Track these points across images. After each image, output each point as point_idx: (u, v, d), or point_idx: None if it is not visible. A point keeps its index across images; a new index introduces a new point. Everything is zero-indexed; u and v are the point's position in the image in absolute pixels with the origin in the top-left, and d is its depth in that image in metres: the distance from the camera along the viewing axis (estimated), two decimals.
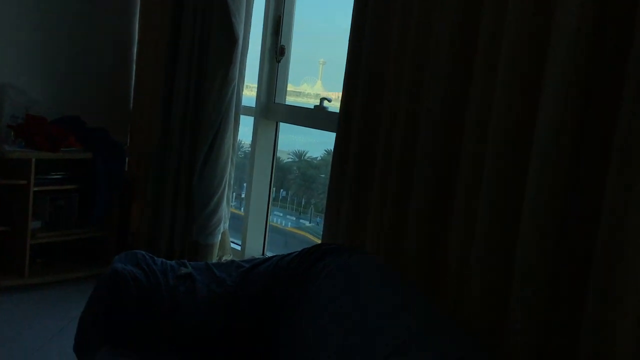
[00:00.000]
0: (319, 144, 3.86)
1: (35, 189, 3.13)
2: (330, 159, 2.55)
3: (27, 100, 3.37)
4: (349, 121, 2.37)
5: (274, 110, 3.29)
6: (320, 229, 2.65)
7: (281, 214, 3.95)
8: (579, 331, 1.48)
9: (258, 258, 2.26)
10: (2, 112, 3.29)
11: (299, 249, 2.12)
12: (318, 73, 3.64)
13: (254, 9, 3.17)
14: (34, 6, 3.43)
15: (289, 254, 2.12)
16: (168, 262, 2.12)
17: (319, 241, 2.60)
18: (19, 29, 3.39)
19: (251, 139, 3.36)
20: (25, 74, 3.45)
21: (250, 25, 3.17)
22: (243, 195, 3.71)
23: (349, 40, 2.40)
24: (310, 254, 2.05)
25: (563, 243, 1.53)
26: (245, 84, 3.28)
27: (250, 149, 3.41)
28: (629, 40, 1.41)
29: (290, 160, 4.04)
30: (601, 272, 1.41)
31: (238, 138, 3.32)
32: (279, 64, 3.26)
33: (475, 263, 1.74)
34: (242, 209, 3.59)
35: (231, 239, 3.38)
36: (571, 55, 1.49)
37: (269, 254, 3.37)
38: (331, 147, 2.51)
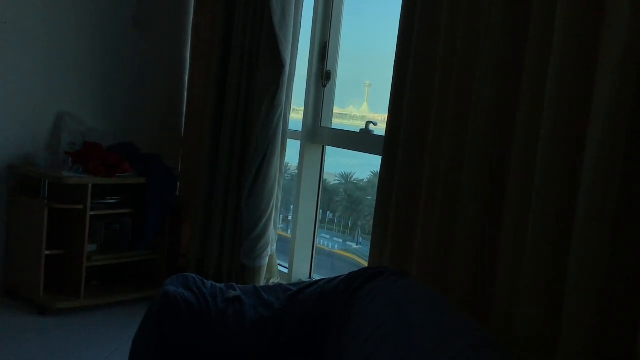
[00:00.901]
0: (365, 165, 3.87)
1: (92, 213, 3.24)
2: (376, 180, 2.56)
3: (84, 127, 3.50)
4: (395, 145, 2.38)
5: (320, 134, 3.33)
6: (367, 251, 2.66)
7: (328, 236, 3.96)
8: None
9: (305, 281, 2.29)
10: (61, 139, 3.43)
11: (346, 272, 2.13)
12: (364, 95, 3.67)
13: (300, 35, 3.24)
14: (91, 38, 3.58)
15: (335, 278, 2.13)
16: (217, 285, 2.16)
17: (366, 263, 2.60)
18: (77, 60, 3.54)
19: (298, 161, 3.40)
20: (83, 103, 3.59)
21: (297, 51, 3.23)
22: (290, 218, 3.75)
23: (395, 64, 2.42)
24: (356, 277, 2.05)
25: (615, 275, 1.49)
26: (292, 107, 3.33)
27: (297, 171, 3.45)
28: None
29: (336, 182, 4.06)
30: None
31: (285, 161, 3.37)
32: (325, 88, 3.30)
33: (524, 291, 1.71)
34: (289, 231, 3.62)
35: (278, 262, 3.41)
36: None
37: (316, 276, 3.39)
38: (378, 168, 2.53)
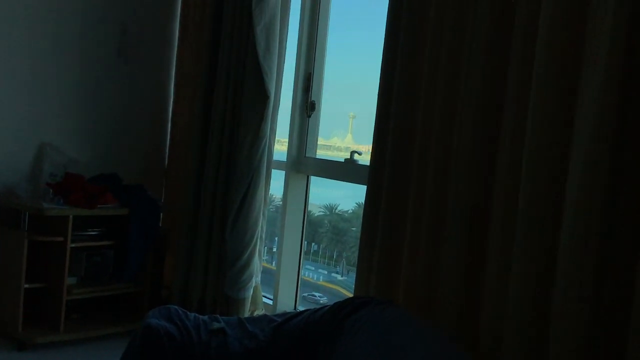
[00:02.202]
0: (350, 197, 3.87)
1: (72, 245, 3.19)
2: (361, 211, 2.56)
3: (66, 159, 3.47)
4: (379, 174, 2.39)
5: (304, 163, 3.33)
6: (352, 282, 2.64)
7: (313, 268, 3.94)
8: None
9: (290, 312, 2.26)
10: (42, 170, 3.39)
11: (331, 303, 2.11)
12: (348, 126, 3.69)
13: (285, 66, 3.26)
14: (75, 69, 3.57)
15: (321, 308, 2.11)
16: (200, 316, 2.12)
17: (351, 295, 2.58)
18: (59, 90, 3.53)
19: (282, 192, 3.39)
20: (65, 134, 3.56)
21: (281, 82, 3.25)
22: (275, 249, 3.72)
23: (378, 96, 2.44)
24: (342, 307, 2.04)
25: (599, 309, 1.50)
26: (277, 138, 3.34)
27: (281, 202, 3.44)
28: None
29: (321, 213, 4.05)
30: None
31: (269, 192, 3.36)
32: (310, 118, 3.31)
33: (510, 320, 1.70)
34: (274, 262, 3.59)
35: (263, 294, 3.37)
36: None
37: (300, 308, 3.35)
38: (362, 199, 2.52)
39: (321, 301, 3.61)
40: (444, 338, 1.80)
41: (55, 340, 3.19)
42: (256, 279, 3.23)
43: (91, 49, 3.61)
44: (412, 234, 2.20)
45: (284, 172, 3.37)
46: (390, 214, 2.30)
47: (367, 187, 2.46)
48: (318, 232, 4.08)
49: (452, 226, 1.99)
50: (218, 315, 2.18)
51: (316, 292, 3.84)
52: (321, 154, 3.41)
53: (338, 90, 3.50)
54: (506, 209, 1.81)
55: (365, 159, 2.89)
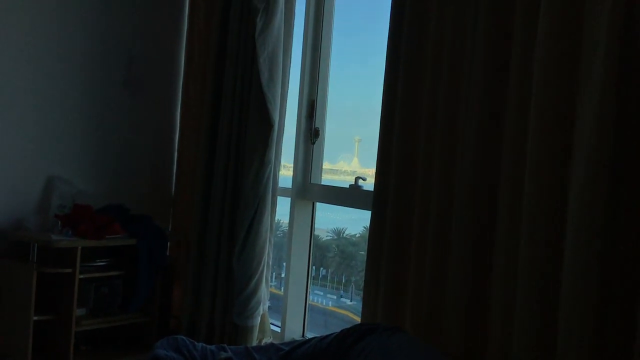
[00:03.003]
0: (357, 220, 3.87)
1: (81, 276, 3.20)
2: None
3: (74, 190, 3.50)
4: (384, 200, 2.40)
5: (310, 190, 3.34)
6: (361, 307, 2.63)
7: (322, 293, 3.92)
8: None
9: (297, 340, 2.25)
10: (50, 202, 3.42)
11: (340, 329, 2.10)
12: (354, 150, 3.70)
13: (288, 94, 3.29)
14: (81, 100, 3.60)
15: (328, 335, 2.11)
16: (208, 346, 2.13)
17: (360, 320, 2.57)
18: (65, 122, 3.56)
19: (289, 218, 3.40)
20: (73, 166, 3.59)
21: (285, 110, 3.28)
22: (283, 275, 3.71)
23: (381, 121, 2.46)
24: (349, 334, 2.03)
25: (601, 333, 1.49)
26: (282, 163, 3.36)
27: (287, 228, 3.45)
28: None
29: (329, 237, 4.05)
30: None
31: (276, 218, 3.36)
32: (314, 145, 3.34)
33: (517, 345, 1.70)
34: (282, 288, 3.58)
35: (271, 320, 3.36)
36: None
37: (309, 334, 3.34)
38: (368, 224, 2.53)
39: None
40: None
41: None
42: (264, 307, 3.23)
43: (97, 81, 3.66)
44: (417, 259, 2.20)
45: (289, 199, 3.38)
46: (395, 240, 2.31)
47: (371, 213, 2.47)
48: (326, 256, 4.07)
49: (457, 251, 1.99)
50: (225, 345, 2.18)
51: (323, 318, 3.83)
52: (328, 178, 3.42)
53: (343, 114, 3.53)
54: (511, 232, 1.81)
55: (370, 183, 2.90)
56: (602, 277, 1.49)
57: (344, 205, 3.19)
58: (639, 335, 1.38)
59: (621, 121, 1.50)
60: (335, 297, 3.93)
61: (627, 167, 1.50)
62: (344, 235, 4.02)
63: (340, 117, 3.48)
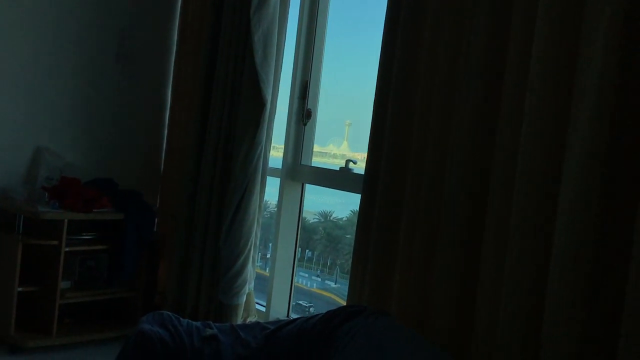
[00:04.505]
0: (345, 204, 3.88)
1: (67, 249, 3.19)
2: (356, 219, 2.57)
3: (62, 162, 3.47)
4: (374, 183, 2.40)
5: (300, 171, 3.34)
6: (345, 290, 2.65)
7: (307, 275, 3.94)
8: None
9: (283, 320, 2.26)
10: (38, 174, 3.39)
11: (324, 311, 2.12)
12: (344, 134, 3.70)
13: (281, 74, 3.28)
14: (73, 73, 3.58)
15: (313, 316, 2.12)
16: (193, 323, 2.13)
17: (344, 303, 2.59)
18: (56, 94, 3.53)
19: (277, 199, 3.40)
20: (62, 138, 3.57)
21: (278, 90, 3.26)
22: (269, 256, 3.72)
23: (374, 104, 2.46)
24: (335, 316, 2.04)
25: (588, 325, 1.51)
26: (273, 144, 3.35)
27: (276, 208, 3.45)
28: None
29: (316, 220, 4.06)
30: None
31: (264, 198, 3.36)
32: (305, 126, 3.33)
33: (503, 330, 1.72)
34: (268, 269, 3.59)
35: (256, 300, 3.37)
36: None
37: (293, 315, 3.36)
38: (357, 207, 2.53)
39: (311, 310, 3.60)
40: (437, 349, 1.81)
41: (48, 344, 3.18)
42: (249, 286, 3.24)
43: (89, 55, 3.63)
44: (405, 244, 2.21)
45: (279, 179, 3.38)
46: (384, 224, 2.31)
47: (361, 196, 2.48)
48: (312, 239, 4.08)
49: (446, 237, 2.00)
50: (211, 322, 2.18)
51: (308, 299, 3.85)
52: (317, 161, 3.42)
53: (335, 98, 3.52)
54: (500, 220, 1.82)
55: (360, 167, 2.90)
56: (591, 268, 1.50)
57: (334, 188, 3.20)
58: (624, 333, 1.40)
59: (618, 116, 1.50)
60: (320, 280, 3.95)
61: (623, 162, 1.51)
62: (331, 218, 4.03)
63: (332, 100, 3.47)
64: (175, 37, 3.92)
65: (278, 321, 2.23)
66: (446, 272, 1.98)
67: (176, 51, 3.89)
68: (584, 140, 1.51)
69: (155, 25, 3.89)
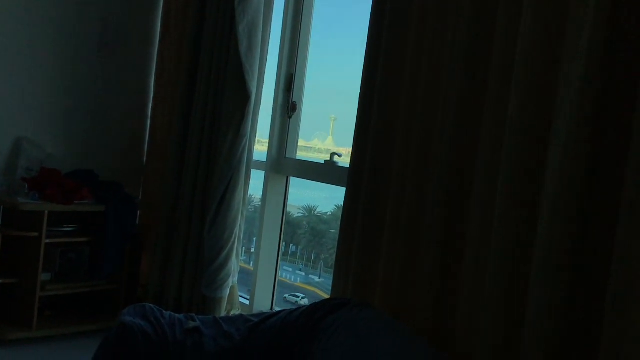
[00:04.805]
0: (329, 199, 3.88)
1: (47, 241, 3.15)
2: (340, 214, 2.56)
3: (42, 154, 3.43)
4: (359, 177, 2.39)
5: (284, 164, 3.32)
6: (329, 285, 2.64)
7: (290, 269, 3.93)
8: None
9: (266, 312, 2.25)
10: (18, 165, 3.34)
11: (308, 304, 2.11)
12: (329, 128, 3.69)
13: (267, 66, 3.25)
14: (53, 62, 3.53)
15: (297, 309, 2.11)
16: (176, 315, 2.11)
17: (330, 295, 2.58)
18: (36, 84, 3.48)
19: (262, 193, 3.38)
20: (42, 129, 3.52)
21: (263, 82, 3.24)
22: (252, 250, 3.71)
23: (359, 97, 2.45)
24: (318, 308, 2.04)
25: (571, 315, 1.52)
26: (257, 138, 3.33)
27: (260, 203, 3.43)
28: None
29: (300, 214, 4.05)
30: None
31: (249, 192, 3.34)
32: (291, 119, 3.31)
33: (484, 323, 1.72)
34: (252, 263, 3.58)
35: (240, 294, 3.36)
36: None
37: (277, 309, 3.34)
38: (341, 202, 2.53)
39: (302, 302, 3.60)
40: (420, 340, 1.81)
41: (28, 336, 3.15)
42: (233, 279, 3.22)
43: (70, 44, 3.58)
44: (389, 237, 2.20)
45: (263, 172, 3.36)
46: (368, 217, 2.31)
47: (346, 190, 2.47)
48: (297, 233, 4.08)
49: (429, 230, 2.00)
50: (194, 314, 2.17)
51: (294, 293, 3.84)
52: (301, 155, 3.41)
53: (320, 92, 3.50)
54: (483, 211, 1.83)
55: (345, 161, 2.90)
56: (574, 255, 1.51)
57: (319, 181, 3.18)
58: (607, 320, 1.41)
59: (602, 108, 1.51)
60: (303, 274, 3.94)
61: (604, 158, 1.52)
62: (315, 212, 4.02)
63: (317, 94, 3.46)
64: (159, 27, 3.87)
65: (262, 314, 2.22)
66: (430, 263, 1.98)
67: (159, 41, 3.85)
68: (568, 135, 1.52)
69: (138, 15, 3.84)
